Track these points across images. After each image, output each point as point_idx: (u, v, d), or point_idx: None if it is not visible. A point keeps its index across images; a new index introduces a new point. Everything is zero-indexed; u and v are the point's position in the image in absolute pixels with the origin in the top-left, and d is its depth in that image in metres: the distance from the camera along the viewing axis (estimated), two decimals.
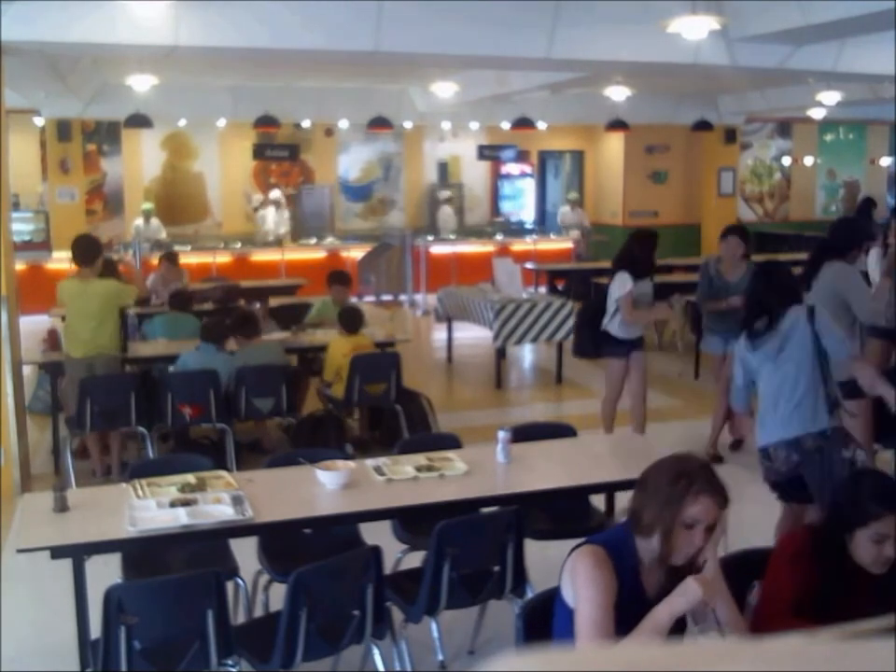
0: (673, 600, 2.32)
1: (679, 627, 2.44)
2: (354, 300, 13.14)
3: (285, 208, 14.39)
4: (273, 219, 14.18)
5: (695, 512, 2.35)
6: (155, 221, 13.54)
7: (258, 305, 9.09)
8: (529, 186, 16.85)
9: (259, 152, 14.33)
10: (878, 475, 2.89)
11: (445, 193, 15.38)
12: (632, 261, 6.27)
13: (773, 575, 2.74)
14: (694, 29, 6.04)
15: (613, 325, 6.31)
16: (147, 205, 13.64)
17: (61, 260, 11.36)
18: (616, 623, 2.34)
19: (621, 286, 6.18)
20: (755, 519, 4.46)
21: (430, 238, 14.58)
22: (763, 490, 4.53)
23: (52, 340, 6.70)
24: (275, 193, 14.39)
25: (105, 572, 3.57)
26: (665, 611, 2.32)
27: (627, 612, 2.37)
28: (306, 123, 14.60)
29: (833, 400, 4.18)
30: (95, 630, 3.06)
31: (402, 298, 13.88)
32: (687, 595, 2.30)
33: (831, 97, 11.27)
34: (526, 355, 10.58)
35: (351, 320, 6.73)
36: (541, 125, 14.08)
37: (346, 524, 3.88)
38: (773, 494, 4.45)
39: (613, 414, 6.54)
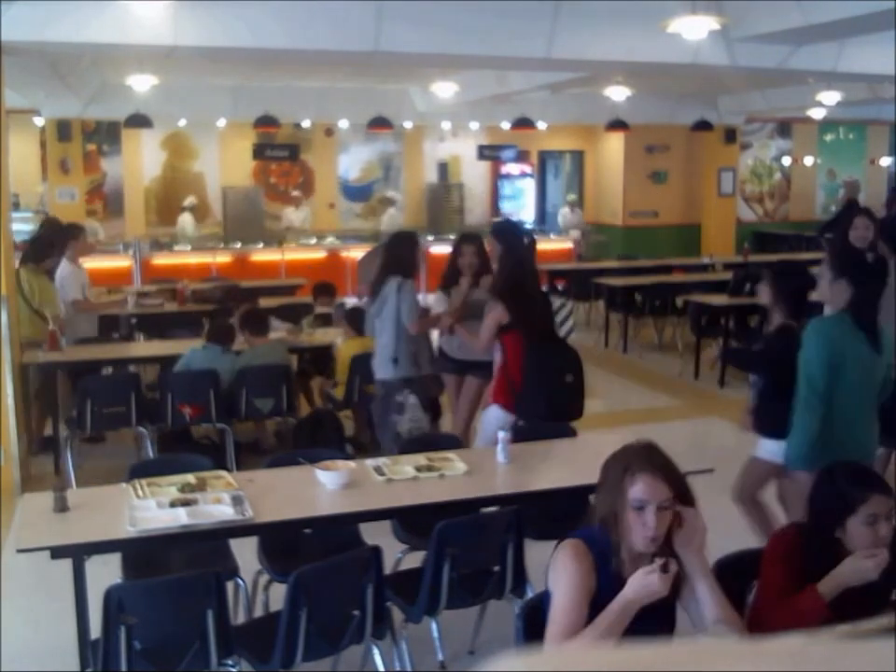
0: (627, 591, 2.31)
1: (669, 626, 2.45)
2: (354, 300, 13.15)
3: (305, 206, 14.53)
4: (295, 216, 14.31)
5: (637, 492, 2.35)
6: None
7: (179, 285, 8.93)
8: (529, 186, 16.85)
9: (259, 152, 14.33)
10: (846, 464, 2.90)
11: (191, 200, 13.99)
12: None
13: (765, 575, 2.76)
14: (694, 29, 6.04)
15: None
16: (190, 200, 13.81)
17: None
18: (595, 614, 2.36)
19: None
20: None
21: (431, 238, 14.58)
22: (765, 491, 4.53)
23: (52, 340, 6.70)
24: (295, 193, 14.51)
25: (105, 572, 3.57)
26: (620, 602, 2.32)
27: (605, 605, 2.39)
28: (306, 123, 14.61)
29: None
30: (95, 630, 3.06)
31: None
32: (643, 586, 2.29)
33: (831, 97, 11.27)
34: None
35: (358, 321, 6.73)
36: (541, 125, 14.08)
37: (346, 524, 3.88)
38: None
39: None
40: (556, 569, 2.44)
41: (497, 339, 5.08)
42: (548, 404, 4.90)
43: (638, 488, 2.35)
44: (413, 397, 5.46)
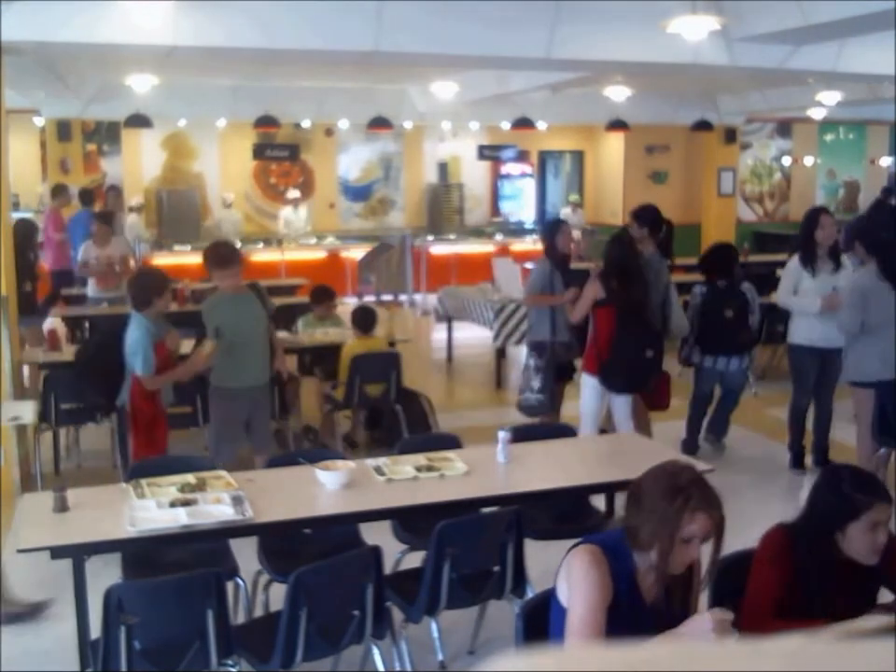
0: (686, 633, 2.28)
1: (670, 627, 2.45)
2: (354, 300, 13.15)
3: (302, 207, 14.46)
4: (294, 218, 14.26)
5: (693, 529, 2.35)
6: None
7: (179, 285, 8.81)
8: (529, 186, 16.85)
9: (259, 152, 14.33)
10: (850, 468, 2.91)
11: (138, 199, 13.67)
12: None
13: (755, 576, 2.76)
14: (694, 29, 6.04)
15: None
16: (137, 199, 13.76)
17: None
18: (612, 625, 2.34)
19: None
20: (753, 521, 4.46)
21: (430, 238, 14.59)
22: (762, 492, 4.54)
23: (53, 340, 6.70)
24: (293, 193, 14.44)
25: (105, 572, 3.57)
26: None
27: (623, 615, 2.38)
28: (306, 123, 14.61)
29: None
30: (95, 630, 3.06)
31: (402, 298, 13.88)
32: (700, 633, 2.26)
33: (831, 97, 11.27)
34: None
35: (364, 321, 6.73)
36: (541, 125, 14.08)
37: (346, 524, 3.88)
38: None
39: None
40: (575, 577, 2.37)
41: (591, 312, 5.75)
42: (628, 375, 5.65)
43: (696, 526, 2.35)
44: (535, 360, 6.40)
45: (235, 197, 14.33)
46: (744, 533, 2.93)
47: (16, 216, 9.59)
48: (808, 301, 6.00)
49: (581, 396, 5.87)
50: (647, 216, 6.26)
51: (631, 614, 2.39)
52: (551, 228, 6.70)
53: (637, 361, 5.63)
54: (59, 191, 10.94)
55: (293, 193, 14.48)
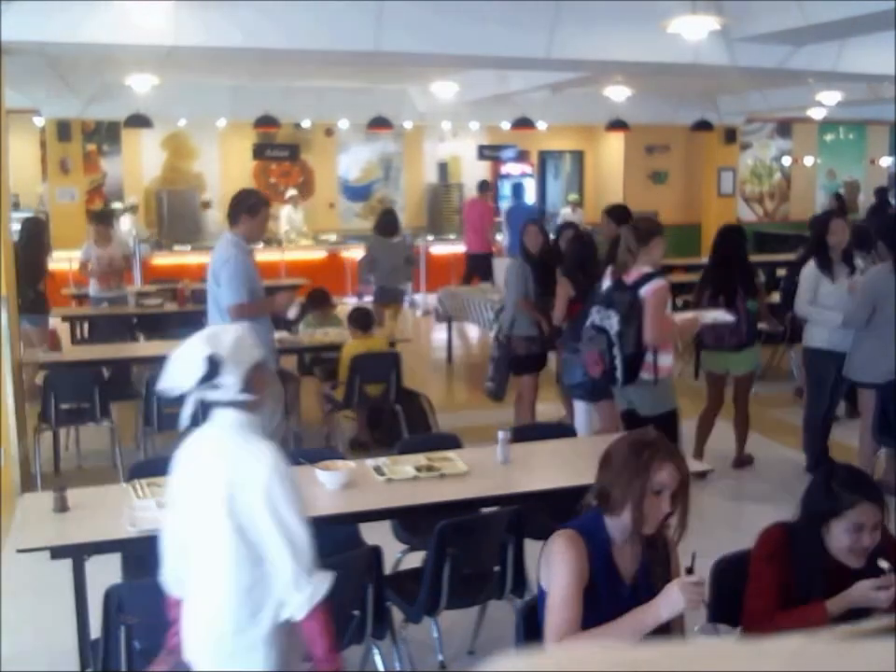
0: (658, 604, 2.38)
1: (663, 627, 2.47)
2: (354, 300, 13.15)
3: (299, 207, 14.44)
4: (296, 216, 14.26)
5: (662, 478, 2.47)
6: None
7: (179, 285, 8.97)
8: (529, 186, 16.84)
9: (259, 152, 14.32)
10: (847, 467, 2.90)
11: (131, 200, 13.89)
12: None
13: (754, 575, 2.76)
14: (694, 29, 6.04)
15: None
16: (131, 200, 13.66)
17: (60, 260, 11.34)
18: (591, 603, 2.42)
19: None
20: (755, 519, 4.46)
21: (430, 238, 14.58)
22: (760, 494, 4.54)
23: (53, 340, 6.70)
24: (291, 192, 14.43)
25: (105, 572, 3.57)
26: (650, 614, 2.38)
27: (602, 592, 2.46)
28: (306, 123, 14.60)
29: None
30: (95, 630, 3.06)
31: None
32: (671, 603, 2.36)
33: (831, 97, 11.27)
34: None
35: (361, 320, 6.74)
36: (541, 125, 14.07)
37: (346, 524, 3.88)
38: None
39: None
40: (552, 561, 2.47)
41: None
42: None
43: (664, 475, 2.47)
44: (494, 350, 7.10)
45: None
46: (747, 537, 2.93)
47: (19, 215, 9.64)
48: (832, 315, 5.80)
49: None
50: (620, 213, 6.58)
51: (609, 593, 2.47)
52: (520, 230, 7.20)
53: None
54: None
55: (291, 192, 14.47)
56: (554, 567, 2.45)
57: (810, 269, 5.99)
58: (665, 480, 2.47)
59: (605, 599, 2.44)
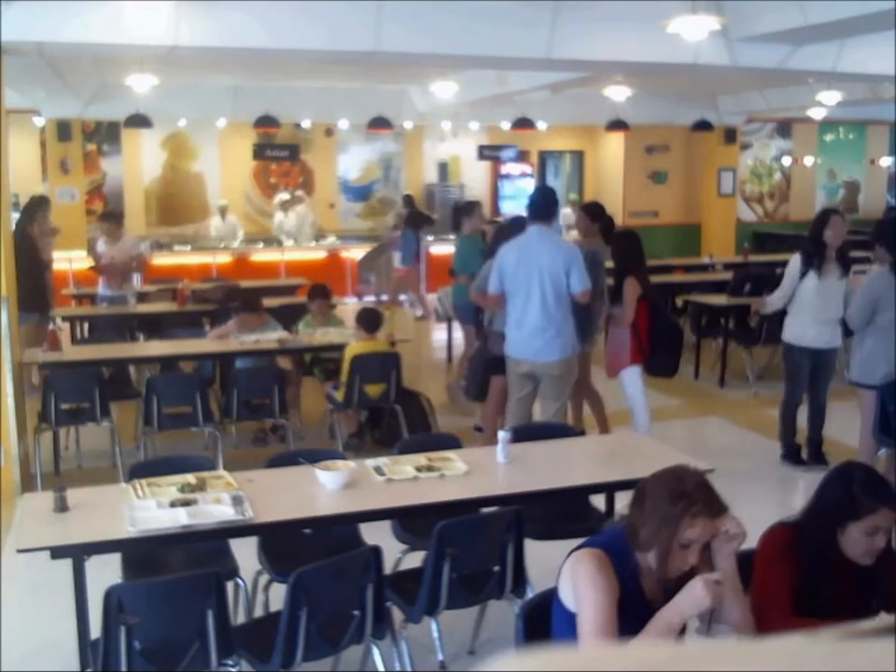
0: (681, 603, 2.32)
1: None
2: (353, 300, 13.16)
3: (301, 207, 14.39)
4: (296, 219, 14.18)
5: (692, 535, 2.35)
6: (232, 218, 13.73)
7: (179, 285, 9.04)
8: (529, 186, 16.84)
9: (259, 152, 14.31)
10: (865, 468, 2.90)
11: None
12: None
13: (761, 574, 2.75)
14: (694, 29, 6.04)
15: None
16: (223, 202, 13.75)
17: (60, 261, 11.33)
18: (618, 625, 2.35)
19: None
20: (755, 520, 4.46)
21: (430, 238, 14.57)
22: (763, 491, 4.54)
23: (53, 339, 6.70)
24: (298, 192, 14.40)
25: (105, 572, 3.57)
26: (674, 614, 2.32)
27: (629, 615, 2.38)
28: (306, 123, 14.60)
29: None
30: (95, 630, 3.06)
31: (402, 298, 13.87)
32: (694, 600, 2.30)
33: (831, 97, 11.26)
34: None
35: (370, 322, 6.73)
36: (541, 125, 14.07)
37: (346, 524, 3.88)
38: None
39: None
40: (580, 582, 2.37)
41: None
42: (675, 362, 6.38)
43: (696, 531, 2.35)
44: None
45: (234, 198, 14.31)
46: (747, 538, 2.92)
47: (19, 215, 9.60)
48: (777, 295, 6.31)
49: (628, 388, 6.37)
50: (595, 210, 7.04)
51: (635, 613, 2.39)
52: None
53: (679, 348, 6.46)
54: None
55: (283, 196, 14.38)
56: (584, 589, 2.36)
57: (795, 262, 6.22)
58: (695, 536, 2.35)
59: (630, 620, 2.36)
